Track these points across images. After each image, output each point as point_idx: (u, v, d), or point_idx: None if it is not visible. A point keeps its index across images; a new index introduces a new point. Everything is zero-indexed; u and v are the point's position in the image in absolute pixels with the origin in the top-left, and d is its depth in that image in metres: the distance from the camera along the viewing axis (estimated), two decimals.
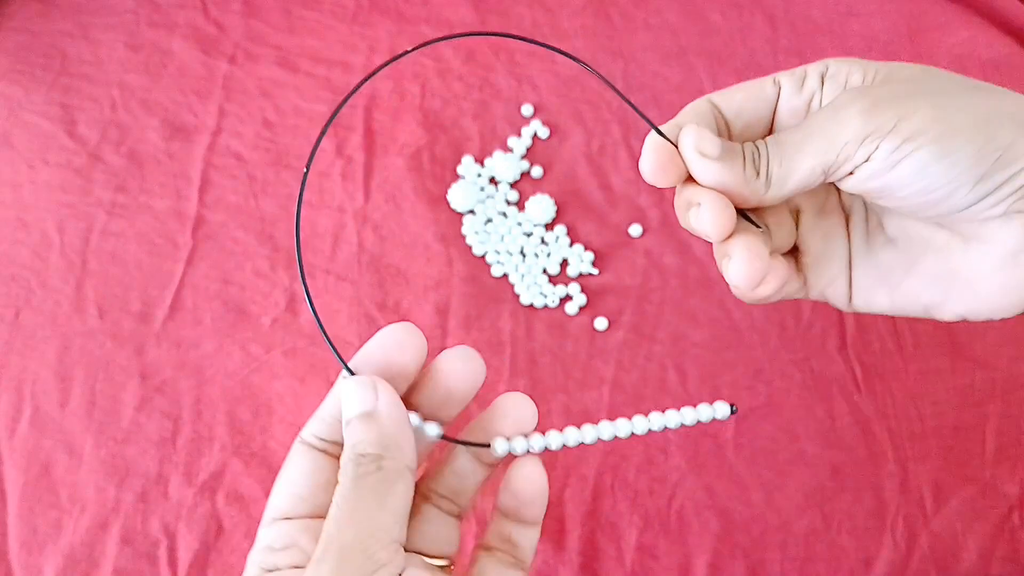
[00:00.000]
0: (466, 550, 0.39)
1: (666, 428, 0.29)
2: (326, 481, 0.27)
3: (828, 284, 0.32)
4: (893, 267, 0.31)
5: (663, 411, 0.29)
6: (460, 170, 0.51)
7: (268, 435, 0.45)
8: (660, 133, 0.29)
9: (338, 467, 0.27)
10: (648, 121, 0.29)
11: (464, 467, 0.30)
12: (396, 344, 0.27)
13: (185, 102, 0.52)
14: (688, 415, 0.29)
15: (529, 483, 0.28)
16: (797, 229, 0.33)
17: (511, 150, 0.51)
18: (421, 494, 0.30)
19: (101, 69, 0.52)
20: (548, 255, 0.49)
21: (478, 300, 0.48)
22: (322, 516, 0.26)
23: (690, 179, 0.29)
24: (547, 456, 0.42)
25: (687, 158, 0.28)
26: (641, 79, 0.54)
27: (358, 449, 0.25)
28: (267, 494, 0.43)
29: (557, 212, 0.50)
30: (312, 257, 0.48)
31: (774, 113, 0.30)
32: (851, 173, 0.27)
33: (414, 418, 0.28)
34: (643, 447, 0.45)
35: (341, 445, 0.27)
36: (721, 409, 0.28)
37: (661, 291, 0.48)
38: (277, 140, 0.51)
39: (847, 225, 0.32)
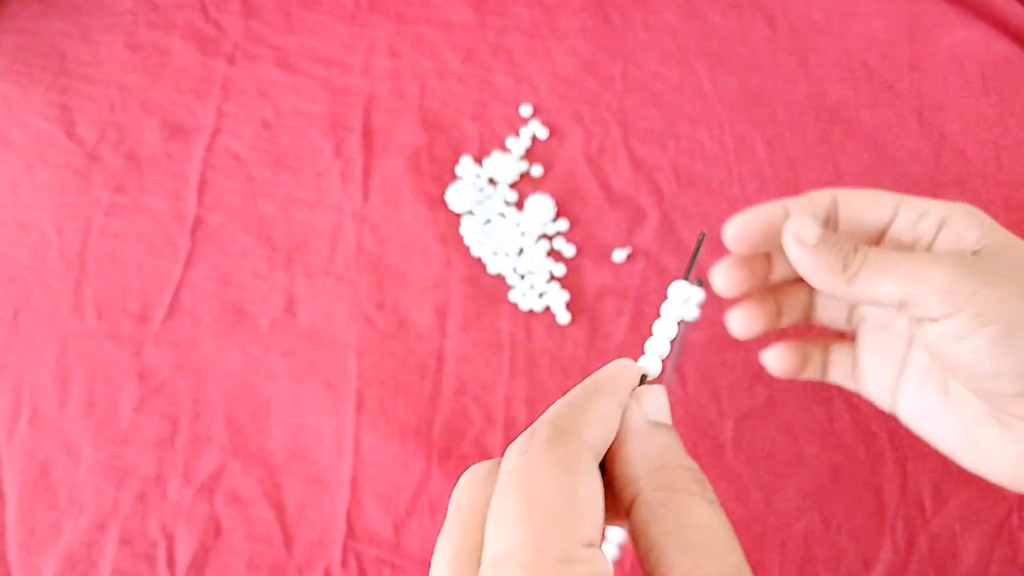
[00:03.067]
0: None
1: None
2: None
3: (876, 388, 0.35)
4: (936, 407, 0.33)
5: None
6: (459, 171, 0.51)
7: (266, 436, 0.45)
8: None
9: None
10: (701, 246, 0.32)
11: None
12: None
13: (184, 103, 0.52)
14: None
15: None
16: (856, 327, 0.36)
17: (510, 150, 0.51)
18: None
19: (100, 70, 0.52)
20: (547, 255, 0.49)
21: (477, 301, 0.48)
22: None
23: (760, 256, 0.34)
24: None
25: (785, 239, 0.30)
26: (640, 79, 0.54)
27: (684, 464, 0.23)
28: (265, 495, 0.44)
29: (556, 212, 0.50)
30: (311, 258, 0.48)
31: (884, 231, 0.32)
32: (921, 322, 0.28)
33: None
34: None
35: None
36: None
37: (660, 292, 0.48)
38: (276, 141, 0.51)
39: (908, 350, 0.34)
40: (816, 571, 0.43)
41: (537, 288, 0.48)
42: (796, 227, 0.30)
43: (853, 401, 0.46)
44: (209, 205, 0.49)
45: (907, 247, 0.31)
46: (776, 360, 0.37)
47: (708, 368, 0.47)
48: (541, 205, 0.49)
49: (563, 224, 0.50)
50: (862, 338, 0.36)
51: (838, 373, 0.37)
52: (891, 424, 0.46)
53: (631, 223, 0.50)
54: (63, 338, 0.46)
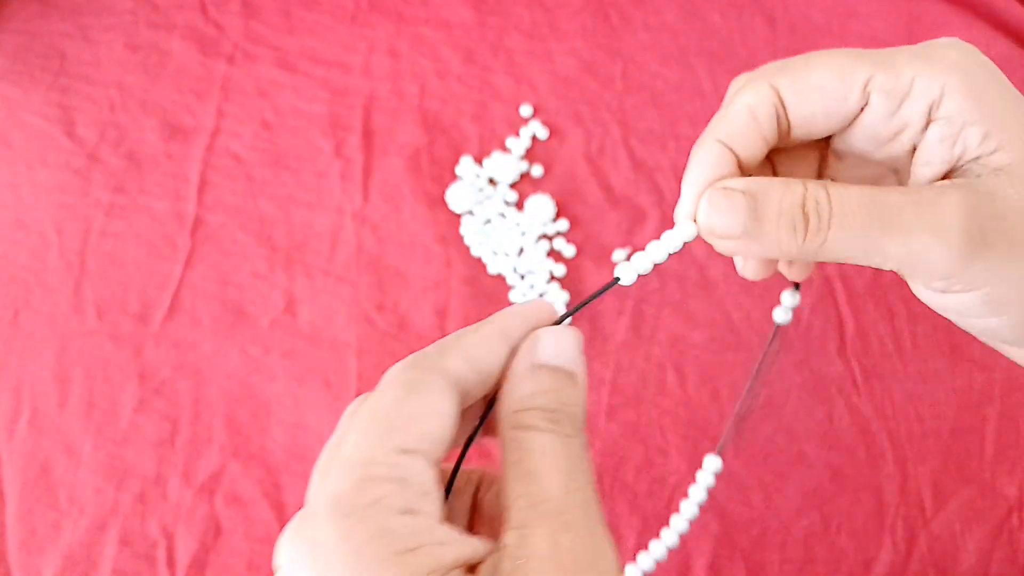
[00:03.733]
0: None
1: None
2: (454, 434, 0.22)
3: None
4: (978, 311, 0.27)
5: None
6: (459, 171, 0.51)
7: (266, 436, 0.45)
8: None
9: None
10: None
11: None
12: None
13: (184, 103, 0.52)
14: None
15: None
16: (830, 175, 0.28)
17: (510, 151, 0.51)
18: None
19: (100, 70, 0.52)
20: (547, 255, 0.49)
21: (477, 301, 0.48)
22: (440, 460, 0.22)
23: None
24: None
25: (709, 241, 0.24)
26: (640, 79, 0.53)
27: (552, 403, 0.22)
28: (265, 495, 0.44)
29: (556, 212, 0.50)
30: (311, 258, 0.48)
31: (849, 124, 0.24)
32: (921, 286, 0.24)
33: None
34: (642, 448, 0.45)
35: (469, 395, 0.23)
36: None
37: (660, 292, 0.48)
38: (276, 141, 0.51)
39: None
40: (816, 571, 0.43)
41: (537, 288, 0.48)
42: (709, 221, 0.23)
43: (853, 401, 0.46)
44: (209, 205, 0.49)
45: (885, 137, 0.24)
46: None
47: (708, 368, 0.47)
48: (541, 205, 0.49)
49: (563, 224, 0.50)
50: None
51: None
52: (891, 424, 0.46)
53: (631, 223, 0.50)
54: (63, 338, 0.46)
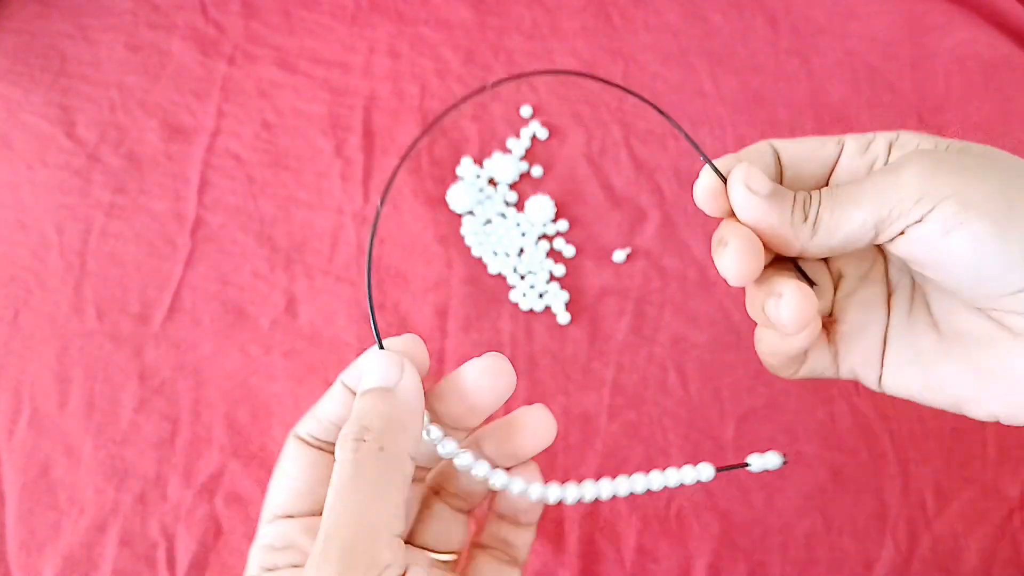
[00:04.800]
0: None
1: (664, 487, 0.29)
2: (322, 478, 0.26)
3: (860, 358, 0.30)
4: (931, 351, 0.29)
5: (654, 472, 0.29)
6: (459, 171, 0.51)
7: (267, 437, 0.45)
8: (713, 167, 0.28)
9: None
10: (703, 155, 0.28)
11: (503, 507, 0.30)
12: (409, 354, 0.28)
13: (184, 103, 0.52)
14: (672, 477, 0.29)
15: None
16: (835, 295, 0.31)
17: (510, 151, 0.51)
18: (432, 490, 0.30)
19: (100, 70, 0.52)
20: (547, 255, 0.49)
21: (477, 301, 0.48)
22: (320, 513, 0.26)
23: (732, 216, 0.28)
24: (545, 457, 0.42)
25: (732, 191, 0.27)
26: (641, 80, 0.53)
27: (364, 421, 0.25)
28: (266, 495, 0.43)
29: (557, 213, 0.50)
30: (311, 258, 0.48)
31: (831, 173, 0.29)
32: (902, 233, 0.25)
33: (435, 431, 0.27)
34: (643, 448, 0.45)
35: (332, 442, 0.27)
36: (705, 471, 0.29)
37: (661, 293, 0.48)
38: (276, 141, 0.51)
39: (889, 298, 0.30)
40: (817, 572, 0.43)
41: (537, 288, 0.48)
42: (744, 175, 0.26)
43: (854, 401, 0.46)
44: (209, 205, 0.49)
45: (861, 174, 0.28)
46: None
47: (709, 368, 0.47)
48: (541, 205, 0.49)
49: (563, 224, 0.50)
50: (838, 304, 0.31)
51: (819, 358, 0.31)
52: (893, 425, 0.46)
53: (631, 223, 0.50)
54: (63, 338, 0.46)
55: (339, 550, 0.23)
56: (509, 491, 0.28)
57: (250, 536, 0.42)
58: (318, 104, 0.52)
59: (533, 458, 0.29)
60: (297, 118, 0.52)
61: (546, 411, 0.29)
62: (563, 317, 0.47)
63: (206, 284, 0.48)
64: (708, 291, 0.48)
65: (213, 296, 0.47)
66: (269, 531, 0.26)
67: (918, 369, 0.29)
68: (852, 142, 0.28)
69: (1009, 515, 0.44)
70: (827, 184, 0.29)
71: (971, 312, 0.28)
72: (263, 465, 0.44)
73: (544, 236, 0.50)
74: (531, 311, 0.48)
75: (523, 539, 0.30)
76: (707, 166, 0.28)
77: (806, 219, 0.26)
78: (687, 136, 0.30)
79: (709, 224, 0.50)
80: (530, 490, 0.28)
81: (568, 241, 0.49)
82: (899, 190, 0.25)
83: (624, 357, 0.47)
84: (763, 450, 0.32)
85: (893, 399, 0.46)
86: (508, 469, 0.29)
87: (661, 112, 0.30)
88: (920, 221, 0.25)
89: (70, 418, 0.44)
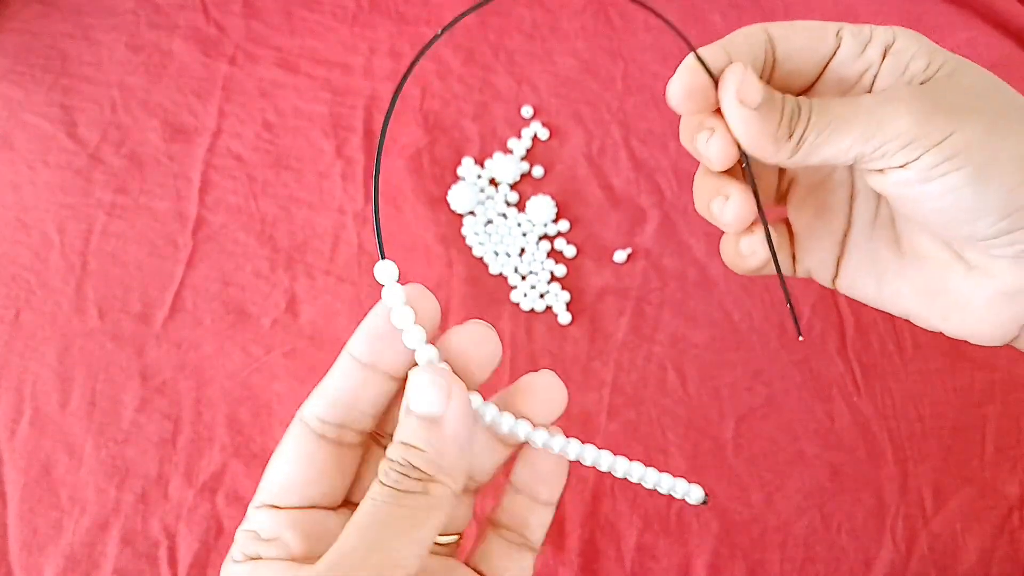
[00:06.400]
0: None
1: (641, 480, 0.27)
2: (320, 473, 0.25)
3: (816, 261, 0.31)
4: (889, 265, 0.30)
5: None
6: (460, 171, 0.51)
7: (268, 436, 0.45)
8: (702, 62, 0.27)
9: (338, 456, 0.25)
10: (689, 44, 0.27)
11: (484, 445, 0.27)
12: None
13: (185, 103, 0.52)
14: (664, 482, 0.27)
15: (551, 458, 0.26)
16: (787, 199, 0.32)
17: (511, 151, 0.51)
18: None
19: (101, 70, 0.52)
20: (548, 256, 0.49)
21: (478, 301, 0.48)
22: (312, 507, 0.25)
23: (713, 112, 0.27)
24: None
25: (725, 99, 0.26)
26: (641, 80, 0.54)
27: (409, 457, 0.23)
28: (262, 477, 0.43)
29: (557, 213, 0.50)
30: (312, 258, 0.48)
31: (824, 68, 0.28)
32: (881, 171, 0.26)
33: (490, 410, 0.25)
34: (643, 448, 0.45)
35: (342, 429, 0.25)
36: (695, 493, 0.27)
37: (660, 292, 0.48)
38: (277, 141, 0.51)
39: (851, 203, 0.31)
40: (816, 571, 0.44)
41: (538, 288, 0.48)
42: (740, 84, 0.26)
43: (853, 401, 0.46)
44: (210, 205, 0.49)
45: (852, 79, 0.28)
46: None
47: (708, 368, 0.47)
48: (542, 206, 0.50)
49: (564, 225, 0.50)
50: (792, 203, 0.32)
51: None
52: (891, 424, 0.46)
53: (632, 224, 0.50)
54: (65, 338, 0.46)
55: None
56: (533, 441, 0.26)
57: None
58: (319, 104, 0.52)
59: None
60: (298, 118, 0.52)
61: (555, 376, 0.26)
62: (564, 317, 0.47)
63: (207, 284, 0.48)
64: (708, 291, 0.48)
65: (214, 296, 0.47)
66: (257, 518, 0.25)
67: (873, 279, 0.30)
68: (849, 39, 0.27)
69: (1008, 514, 0.44)
70: (819, 78, 0.28)
71: (934, 239, 0.29)
72: (264, 464, 0.44)
73: (545, 236, 0.50)
74: (532, 311, 0.48)
75: (540, 519, 0.28)
76: (690, 57, 0.27)
77: (791, 136, 0.26)
78: (669, 24, 0.28)
79: (709, 224, 0.50)
80: (553, 441, 0.26)
81: (569, 241, 0.49)
82: (888, 129, 0.25)
83: (624, 357, 0.47)
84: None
85: (892, 399, 0.46)
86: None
87: (654, 11, 0.29)
88: (903, 167, 0.25)
89: (72, 417, 0.45)
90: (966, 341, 0.29)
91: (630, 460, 0.27)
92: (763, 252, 0.29)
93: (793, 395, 0.46)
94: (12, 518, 0.43)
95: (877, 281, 0.30)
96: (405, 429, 0.23)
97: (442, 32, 0.27)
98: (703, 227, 0.50)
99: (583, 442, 0.26)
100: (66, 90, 0.52)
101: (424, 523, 0.22)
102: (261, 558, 0.24)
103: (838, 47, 0.27)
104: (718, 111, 0.27)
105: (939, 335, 0.47)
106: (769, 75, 0.28)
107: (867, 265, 0.30)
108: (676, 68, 0.56)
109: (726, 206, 0.28)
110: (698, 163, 0.29)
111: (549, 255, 0.49)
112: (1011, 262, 0.27)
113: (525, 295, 0.48)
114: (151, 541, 0.42)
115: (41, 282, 0.47)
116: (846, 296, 0.32)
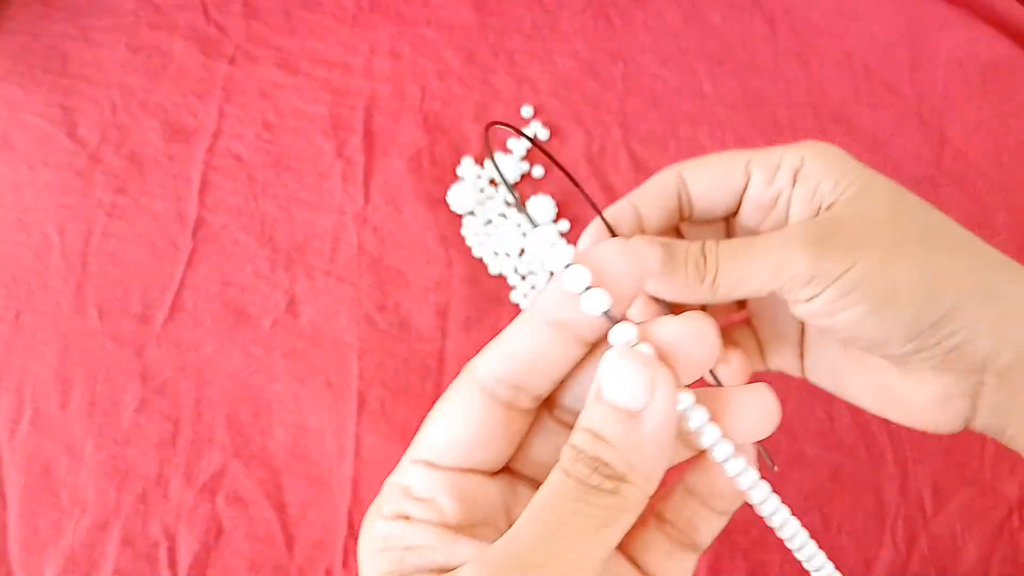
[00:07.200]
0: None
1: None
2: (488, 436, 0.22)
3: (782, 361, 0.33)
4: (840, 363, 0.31)
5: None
6: (460, 171, 0.51)
7: (268, 436, 0.45)
8: (605, 221, 0.29)
9: (508, 420, 0.22)
10: (596, 208, 0.30)
11: (699, 486, 0.24)
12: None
13: (185, 104, 0.52)
14: None
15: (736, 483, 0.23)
16: (747, 305, 0.34)
17: (511, 151, 0.51)
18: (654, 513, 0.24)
19: (101, 71, 0.52)
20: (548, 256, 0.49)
21: (478, 302, 0.48)
22: (472, 470, 0.22)
23: None
24: None
25: (621, 270, 0.22)
26: (641, 81, 0.54)
27: (599, 451, 0.19)
28: (267, 496, 0.44)
29: (557, 213, 0.50)
30: (312, 258, 0.48)
31: (740, 200, 0.30)
32: (795, 301, 0.27)
33: (698, 414, 0.21)
34: None
35: (517, 390, 0.22)
36: None
37: None
38: (277, 142, 0.51)
39: None
40: None
41: (538, 288, 0.48)
42: (633, 257, 0.23)
43: None
44: (210, 206, 0.49)
45: (768, 205, 0.29)
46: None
47: None
48: (542, 206, 0.50)
49: (564, 225, 0.50)
50: (756, 316, 0.34)
51: (752, 357, 0.33)
52: (891, 425, 0.46)
53: None
54: (65, 339, 0.46)
55: (508, 566, 0.19)
56: (726, 468, 0.22)
57: (251, 536, 0.43)
58: (319, 105, 0.52)
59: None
60: (298, 119, 0.52)
61: (770, 393, 0.22)
62: None
63: (207, 284, 0.48)
64: None
65: (214, 296, 0.47)
66: (413, 474, 0.22)
67: (830, 376, 0.32)
68: (758, 171, 0.29)
69: (1007, 515, 0.44)
70: (739, 206, 0.30)
71: None
72: (264, 465, 0.44)
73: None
74: None
75: (711, 525, 0.24)
76: (596, 220, 0.29)
77: (702, 281, 0.28)
78: (583, 192, 0.31)
79: None
80: (745, 474, 0.22)
81: (569, 241, 0.49)
82: (789, 268, 0.26)
83: None
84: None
85: None
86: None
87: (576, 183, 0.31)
88: (808, 301, 0.27)
89: (72, 418, 0.45)
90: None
91: (800, 525, 0.24)
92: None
93: (793, 396, 0.46)
94: (12, 518, 0.43)
95: (834, 378, 0.32)
96: (595, 416, 0.20)
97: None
98: None
99: (774, 490, 0.23)
100: (66, 91, 0.52)
101: (611, 525, 0.19)
102: (411, 518, 0.22)
103: (749, 178, 0.29)
104: None
105: None
106: (689, 212, 0.30)
107: (823, 363, 0.32)
108: (676, 69, 0.55)
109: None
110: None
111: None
112: (933, 372, 0.27)
113: (525, 296, 0.48)
114: (151, 542, 0.42)
115: (41, 283, 0.47)
116: None
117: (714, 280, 0.28)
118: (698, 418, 0.21)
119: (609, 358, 0.20)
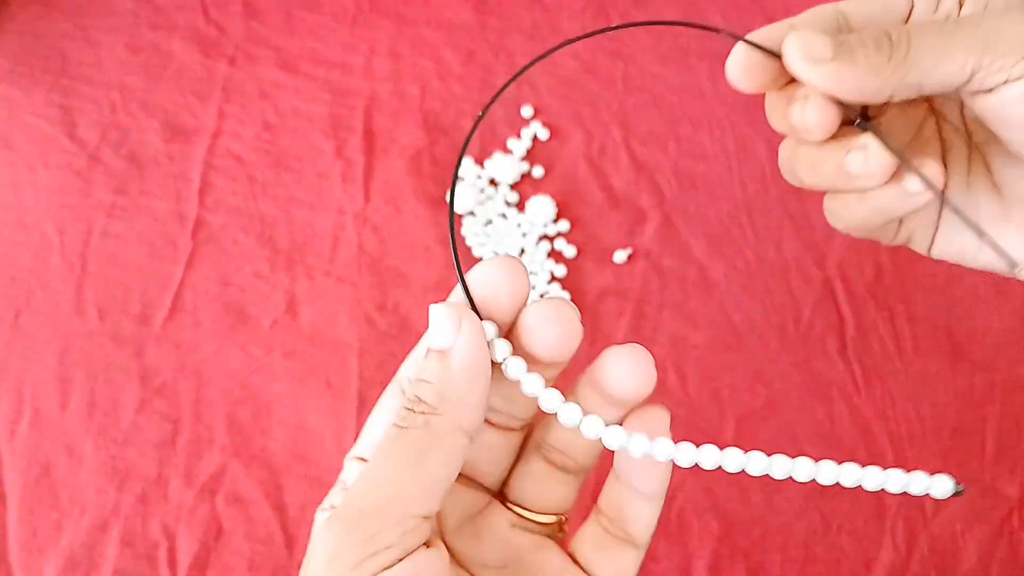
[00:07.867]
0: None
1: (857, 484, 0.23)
2: None
3: (918, 223, 0.29)
4: (991, 215, 0.28)
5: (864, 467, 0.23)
6: (460, 171, 0.51)
7: (268, 437, 0.45)
8: (754, 44, 0.26)
9: None
10: (735, 36, 0.26)
11: (547, 439, 0.25)
12: (505, 280, 0.23)
13: (185, 104, 0.52)
14: (895, 481, 0.23)
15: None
16: None
17: (511, 151, 0.51)
18: (533, 442, 0.27)
19: (101, 71, 0.52)
20: (548, 256, 0.49)
21: None
22: None
23: (791, 81, 0.25)
24: None
25: (796, 70, 0.24)
26: (641, 81, 0.54)
27: (418, 391, 0.22)
28: (267, 496, 0.44)
29: (557, 213, 0.50)
30: (312, 259, 0.48)
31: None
32: (991, 91, 0.24)
33: (514, 366, 0.22)
34: None
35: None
36: (941, 485, 0.22)
37: (660, 293, 0.48)
38: (276, 142, 0.51)
39: (944, 158, 0.29)
40: (817, 571, 0.44)
41: (538, 289, 0.48)
42: (801, 46, 0.24)
43: (854, 402, 0.46)
44: (210, 206, 0.49)
45: None
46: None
47: (709, 368, 0.47)
48: (542, 206, 0.49)
49: (564, 225, 0.50)
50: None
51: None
52: (891, 425, 0.46)
53: (632, 224, 0.50)
54: (64, 339, 0.46)
55: (350, 516, 0.21)
56: (604, 443, 0.23)
57: (251, 536, 0.43)
58: (319, 105, 0.52)
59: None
60: (298, 119, 0.52)
61: (639, 350, 0.24)
62: None
63: (207, 285, 0.48)
64: (708, 291, 0.48)
65: (214, 297, 0.47)
66: (348, 469, 0.25)
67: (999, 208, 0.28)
68: None
69: (1008, 515, 0.44)
70: None
71: None
72: (264, 465, 0.44)
73: (545, 236, 0.50)
74: None
75: (641, 513, 0.25)
76: (739, 44, 0.25)
77: (890, 59, 0.23)
78: (710, 30, 0.28)
79: (709, 224, 0.50)
80: (630, 443, 0.23)
81: (569, 242, 0.49)
82: (1007, 40, 0.23)
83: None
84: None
85: (892, 399, 0.46)
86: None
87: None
88: (1021, 79, 0.23)
89: (71, 418, 0.45)
90: None
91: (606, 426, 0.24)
92: (876, 167, 0.25)
93: (793, 396, 0.46)
94: (12, 519, 0.43)
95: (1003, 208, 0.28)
96: (420, 369, 0.22)
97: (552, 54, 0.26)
98: (703, 228, 0.50)
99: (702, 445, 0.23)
100: (66, 91, 0.52)
101: (428, 455, 0.21)
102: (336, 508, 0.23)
103: (912, 7, 0.26)
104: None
105: (939, 335, 0.47)
106: None
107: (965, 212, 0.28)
108: (676, 69, 0.55)
109: (869, 156, 0.24)
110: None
111: (549, 255, 0.49)
112: None
113: None
114: (151, 542, 0.42)
115: (41, 283, 0.47)
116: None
117: (905, 56, 0.23)
118: (502, 350, 0.23)
119: (431, 309, 0.22)
